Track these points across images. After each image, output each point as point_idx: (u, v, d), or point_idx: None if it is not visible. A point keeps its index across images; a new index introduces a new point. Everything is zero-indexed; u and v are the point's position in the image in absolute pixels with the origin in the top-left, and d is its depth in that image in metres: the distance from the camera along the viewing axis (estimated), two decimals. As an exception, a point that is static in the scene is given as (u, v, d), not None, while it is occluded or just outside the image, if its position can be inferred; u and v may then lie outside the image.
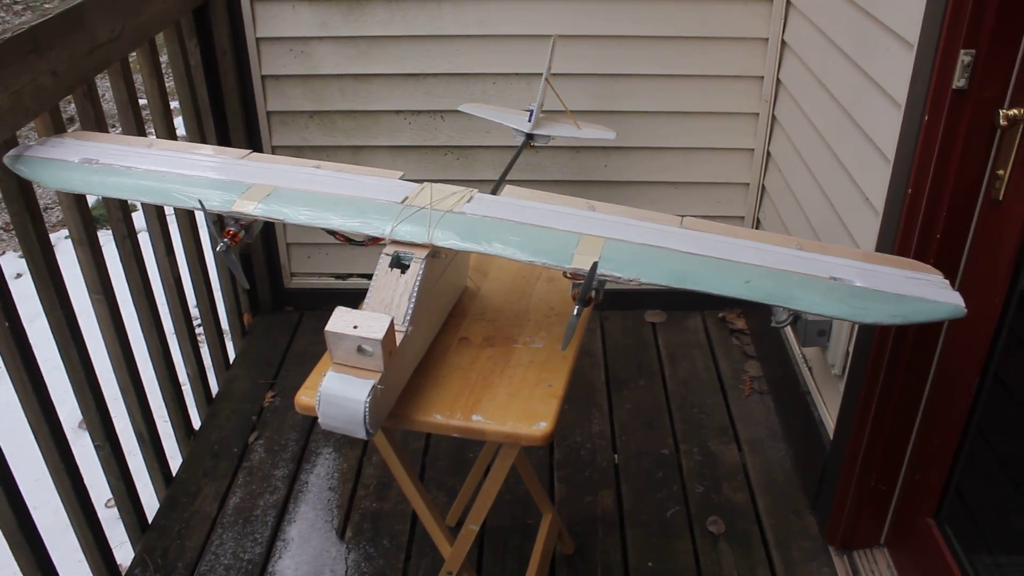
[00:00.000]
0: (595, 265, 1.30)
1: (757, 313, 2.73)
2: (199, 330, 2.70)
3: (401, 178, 1.58)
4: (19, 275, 3.41)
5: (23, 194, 1.68)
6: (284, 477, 2.30)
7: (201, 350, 2.54)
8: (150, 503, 2.24)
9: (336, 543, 2.10)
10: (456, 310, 1.62)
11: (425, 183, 1.53)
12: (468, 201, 1.48)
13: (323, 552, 2.08)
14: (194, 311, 2.52)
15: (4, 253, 3.97)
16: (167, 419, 2.36)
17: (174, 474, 2.32)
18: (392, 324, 1.24)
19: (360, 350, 1.23)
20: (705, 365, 2.68)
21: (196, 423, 2.50)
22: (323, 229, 1.45)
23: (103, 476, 2.04)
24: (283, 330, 2.89)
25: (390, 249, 1.38)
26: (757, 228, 2.79)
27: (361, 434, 1.25)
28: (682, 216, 1.50)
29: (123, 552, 2.19)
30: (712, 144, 2.68)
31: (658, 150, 2.70)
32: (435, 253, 1.39)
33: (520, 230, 1.41)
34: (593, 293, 1.32)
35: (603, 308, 2.94)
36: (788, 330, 2.41)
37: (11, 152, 1.63)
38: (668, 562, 2.03)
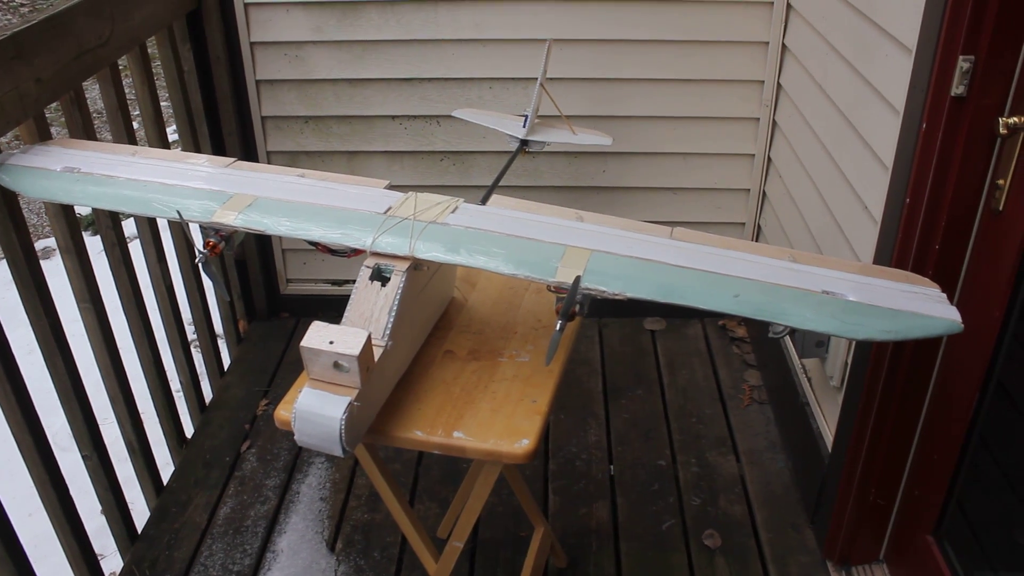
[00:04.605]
0: (578, 279, 1.27)
1: (758, 321, 2.68)
2: (193, 337, 2.67)
3: (388, 186, 1.55)
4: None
5: (6, 203, 1.66)
6: (275, 487, 2.27)
7: (195, 357, 2.52)
8: (143, 511, 2.22)
9: (326, 555, 2.07)
10: (442, 322, 1.59)
11: (410, 193, 1.50)
12: (453, 211, 1.45)
13: (312, 564, 2.05)
14: (188, 317, 2.50)
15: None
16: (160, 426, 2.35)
17: (165, 483, 2.30)
18: (369, 339, 1.21)
19: (336, 366, 1.20)
20: (704, 374, 2.64)
21: (189, 431, 2.48)
22: (304, 240, 1.43)
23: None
24: (279, 337, 2.86)
25: (370, 261, 1.35)
26: (758, 235, 2.75)
27: (337, 452, 1.22)
28: (672, 227, 1.46)
29: (114, 562, 2.17)
30: (712, 149, 2.64)
31: (657, 155, 2.66)
32: (417, 265, 1.36)
33: (504, 242, 1.38)
34: (577, 307, 1.29)
35: (601, 315, 2.91)
36: (788, 339, 2.37)
37: (-8, 160, 1.61)
38: (663, 576, 1.99)
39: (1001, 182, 1.46)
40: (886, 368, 1.71)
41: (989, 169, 1.49)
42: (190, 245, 1.45)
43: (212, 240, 1.44)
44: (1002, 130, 1.42)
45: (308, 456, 2.37)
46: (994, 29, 1.38)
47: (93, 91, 4.29)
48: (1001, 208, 1.47)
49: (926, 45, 1.49)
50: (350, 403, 1.20)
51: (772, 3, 2.40)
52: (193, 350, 2.52)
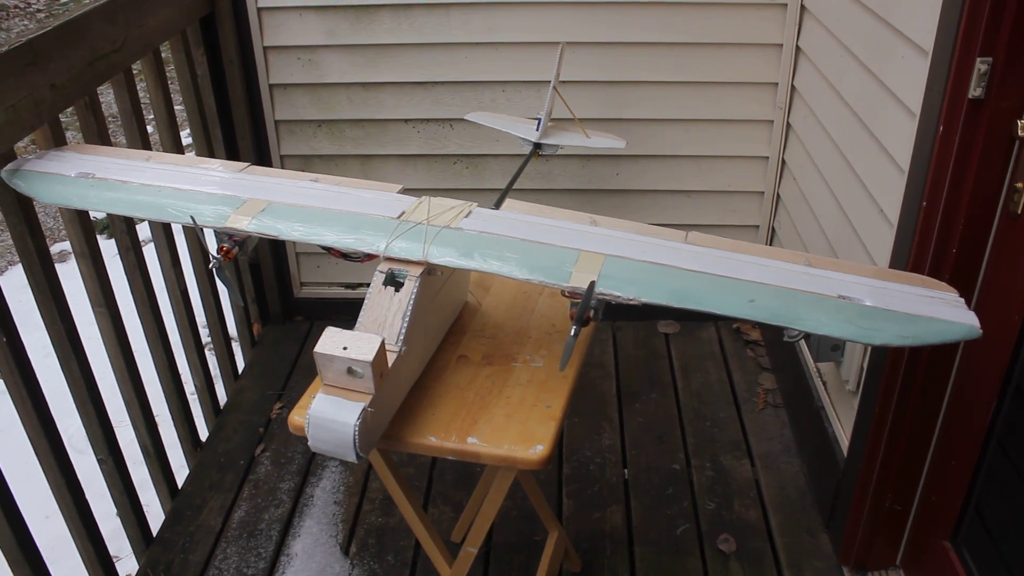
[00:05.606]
0: (592, 284, 1.26)
1: (773, 325, 2.67)
2: (207, 340, 2.68)
3: (401, 190, 1.55)
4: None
5: (22, 208, 1.67)
6: (290, 490, 2.28)
7: (210, 360, 2.53)
8: (158, 514, 2.23)
9: (340, 559, 2.07)
10: (456, 326, 1.59)
11: (423, 197, 1.50)
12: (466, 216, 1.44)
13: (327, 568, 2.05)
14: (203, 320, 2.50)
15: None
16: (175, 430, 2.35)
17: (180, 486, 2.31)
18: (383, 345, 1.21)
19: (350, 372, 1.20)
20: (719, 377, 2.63)
21: (203, 434, 2.48)
22: (318, 245, 1.43)
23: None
24: (293, 340, 2.87)
25: (384, 266, 1.35)
26: (772, 238, 2.73)
27: (351, 457, 1.22)
28: (687, 231, 1.46)
29: (129, 565, 2.17)
30: (726, 152, 2.63)
31: (671, 158, 2.65)
32: (431, 270, 1.36)
33: (518, 246, 1.37)
34: (591, 312, 1.28)
35: (615, 318, 2.90)
36: (803, 343, 2.35)
37: (8, 166, 1.62)
38: (677, 581, 1.98)
39: (1020, 185, 1.44)
40: (903, 373, 1.70)
41: (1007, 173, 1.48)
42: (204, 250, 1.45)
43: (226, 245, 1.44)
44: (1020, 133, 1.41)
45: (322, 460, 2.37)
46: (1013, 30, 1.36)
47: (107, 96, 4.31)
48: (1020, 212, 1.45)
49: (943, 47, 1.48)
50: (364, 409, 1.20)
51: (786, 5, 2.39)
52: (207, 353, 2.53)
